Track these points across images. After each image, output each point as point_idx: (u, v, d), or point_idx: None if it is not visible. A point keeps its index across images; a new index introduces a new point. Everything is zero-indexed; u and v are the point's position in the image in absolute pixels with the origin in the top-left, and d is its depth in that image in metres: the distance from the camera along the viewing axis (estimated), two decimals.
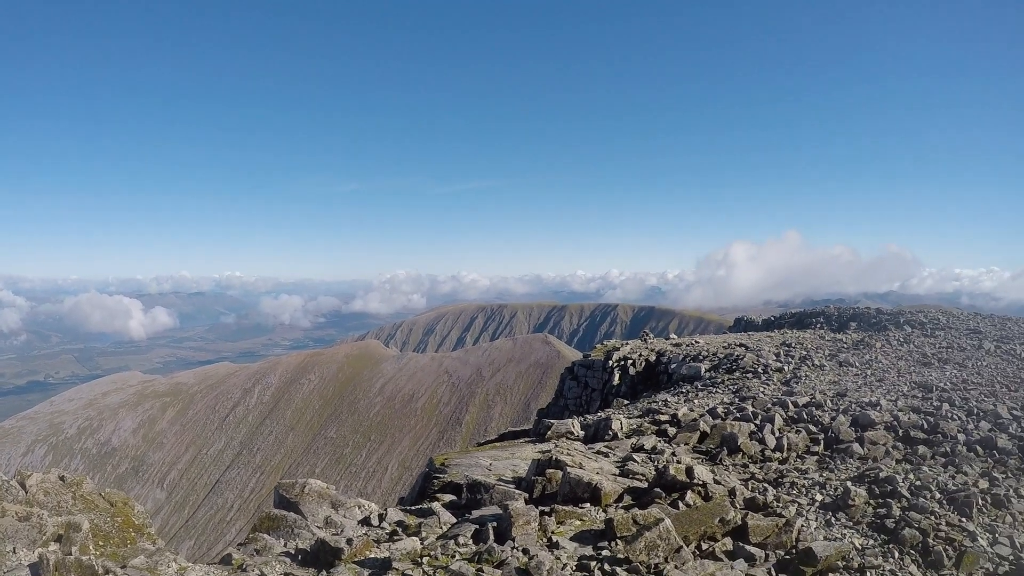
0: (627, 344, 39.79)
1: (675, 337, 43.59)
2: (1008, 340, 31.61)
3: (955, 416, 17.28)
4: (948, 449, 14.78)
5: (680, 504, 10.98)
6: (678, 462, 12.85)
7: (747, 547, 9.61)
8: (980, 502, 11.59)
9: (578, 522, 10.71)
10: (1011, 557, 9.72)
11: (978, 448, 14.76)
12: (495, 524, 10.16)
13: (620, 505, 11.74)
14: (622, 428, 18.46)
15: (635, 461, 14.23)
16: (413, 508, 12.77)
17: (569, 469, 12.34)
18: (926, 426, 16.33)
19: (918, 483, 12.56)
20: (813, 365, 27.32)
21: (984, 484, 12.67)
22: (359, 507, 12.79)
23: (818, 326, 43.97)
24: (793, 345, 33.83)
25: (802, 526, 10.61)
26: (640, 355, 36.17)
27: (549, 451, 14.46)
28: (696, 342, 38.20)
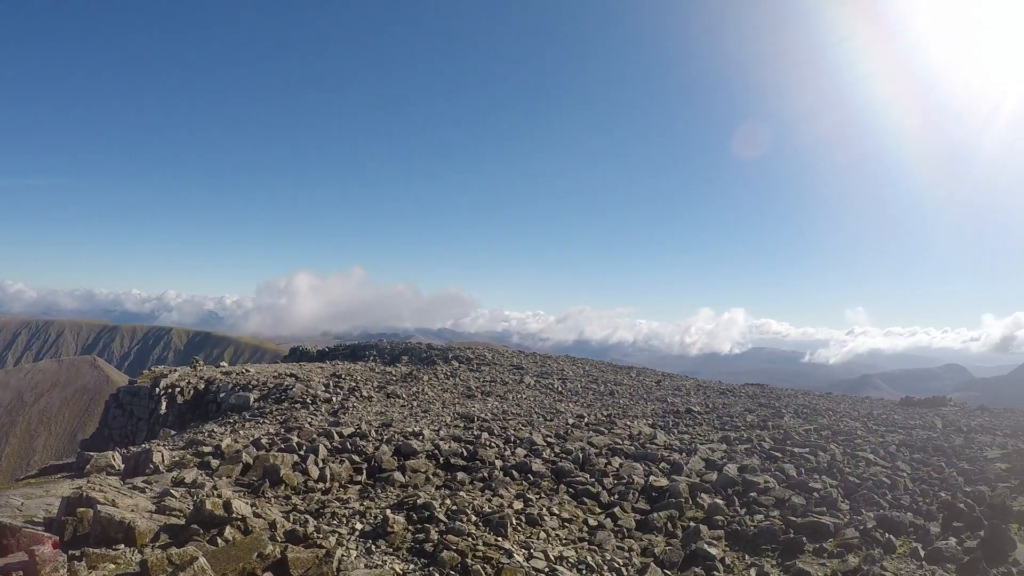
0: (176, 371, 37.45)
1: (225, 365, 42.01)
2: (547, 375, 36.08)
3: (493, 444, 18.50)
4: (486, 474, 15.70)
5: (219, 540, 10.01)
6: (218, 496, 11.83)
7: None
8: (515, 521, 12.37)
9: (112, 565, 9.28)
10: (546, 569, 10.37)
11: (514, 472, 15.97)
12: (20, 573, 8.47)
13: (157, 544, 10.36)
14: (164, 461, 16.83)
15: (173, 496, 12.93)
16: None
17: (100, 508, 10.63)
18: (466, 454, 17.25)
19: (455, 507, 13.01)
20: (361, 396, 27.78)
21: (519, 505, 13.64)
22: None
23: (371, 358, 45.59)
24: (343, 376, 34.38)
25: (343, 556, 10.21)
26: (189, 383, 34.33)
27: (81, 488, 12.43)
28: (247, 371, 37.12)
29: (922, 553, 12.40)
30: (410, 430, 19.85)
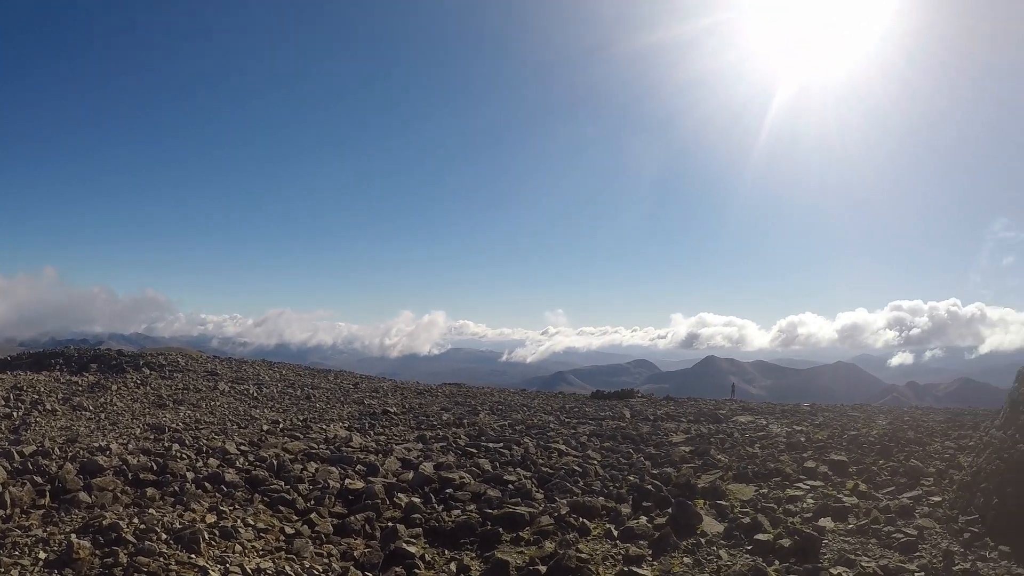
0: None
1: None
2: (242, 381, 35.31)
3: (185, 455, 17.86)
4: (177, 488, 15.10)
5: None
6: None
7: None
8: (208, 536, 12.05)
9: None
10: None
11: (207, 484, 15.46)
12: None
13: None
14: None
15: None
16: None
17: None
18: (156, 467, 16.49)
19: (143, 526, 12.44)
20: (45, 410, 25.59)
21: (212, 518, 13.24)
22: None
23: (57, 368, 41.95)
24: (25, 388, 31.36)
25: None
26: None
27: None
28: None
29: (615, 533, 14.02)
30: (97, 445, 18.68)
